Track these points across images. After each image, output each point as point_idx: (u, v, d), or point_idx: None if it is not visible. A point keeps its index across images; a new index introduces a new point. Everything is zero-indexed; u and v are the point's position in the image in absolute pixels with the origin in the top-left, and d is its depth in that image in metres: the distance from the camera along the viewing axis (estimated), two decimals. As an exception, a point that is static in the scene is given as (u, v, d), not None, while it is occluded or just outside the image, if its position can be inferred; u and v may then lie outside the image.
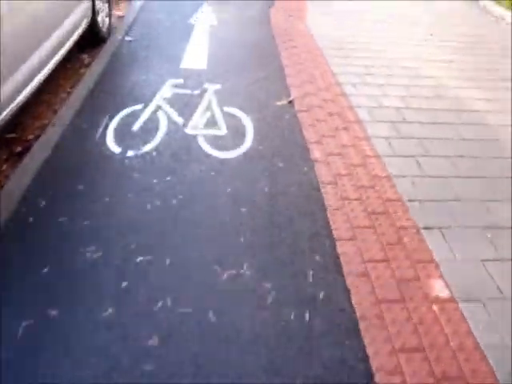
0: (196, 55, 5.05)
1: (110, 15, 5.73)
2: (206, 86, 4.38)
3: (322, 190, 3.11)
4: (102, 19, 5.39)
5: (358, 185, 3.21)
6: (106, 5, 5.62)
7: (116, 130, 3.61)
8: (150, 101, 4.05)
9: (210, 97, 4.18)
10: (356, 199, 3.08)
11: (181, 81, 4.46)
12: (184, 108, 3.99)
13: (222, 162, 3.34)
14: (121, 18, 6.33)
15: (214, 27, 5.97)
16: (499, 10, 7.33)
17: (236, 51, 5.24)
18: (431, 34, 6.24)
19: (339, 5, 7.26)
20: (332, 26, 6.26)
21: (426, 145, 3.69)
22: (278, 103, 4.18)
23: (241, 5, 7.00)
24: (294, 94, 4.36)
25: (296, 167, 3.33)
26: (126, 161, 3.27)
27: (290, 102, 4.21)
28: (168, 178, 3.12)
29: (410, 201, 3.10)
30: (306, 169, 3.32)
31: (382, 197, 3.12)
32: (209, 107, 4.01)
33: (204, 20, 6.19)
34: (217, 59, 5.00)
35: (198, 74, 4.64)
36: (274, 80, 4.62)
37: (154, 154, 3.37)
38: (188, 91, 4.27)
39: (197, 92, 4.26)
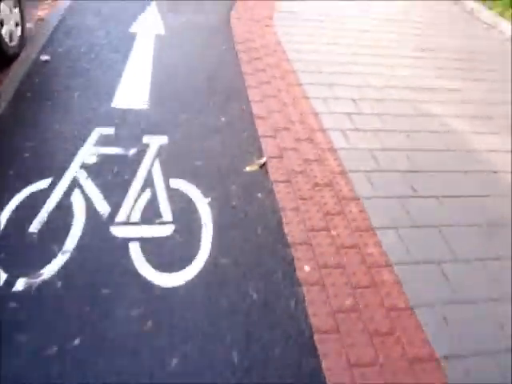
0: (135, 85, 3.71)
1: (22, 24, 4.24)
2: (147, 139, 3.10)
3: (319, 349, 1.97)
4: (9, 31, 3.92)
5: (382, 330, 2.10)
6: (17, 10, 4.12)
7: (3, 234, 2.31)
8: (63, 171, 2.74)
9: (151, 160, 2.91)
10: (370, 364, 1.96)
11: (111, 131, 3.14)
12: (113, 183, 2.71)
13: (165, 295, 2.13)
14: (41, 21, 4.83)
15: (161, 39, 4.60)
16: (490, 16, 6.28)
17: (188, 78, 3.93)
18: (423, 49, 5.11)
19: (311, 7, 5.99)
20: (305, 38, 5.00)
21: (452, 244, 2.61)
22: (248, 169, 2.96)
23: (195, 6, 5.60)
24: (268, 150, 3.15)
25: (279, 301, 2.16)
26: (12, 304, 2.00)
27: (263, 165, 3.01)
28: (75, 343, 1.88)
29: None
30: (293, 303, 2.16)
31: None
32: (149, 181, 2.75)
33: (149, 28, 4.79)
34: (163, 92, 3.68)
35: (137, 117, 3.33)
36: (240, 126, 3.38)
37: (59, 284, 2.11)
38: (120, 150, 2.98)
39: (133, 151, 2.98)
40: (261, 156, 3.09)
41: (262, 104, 3.68)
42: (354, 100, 3.89)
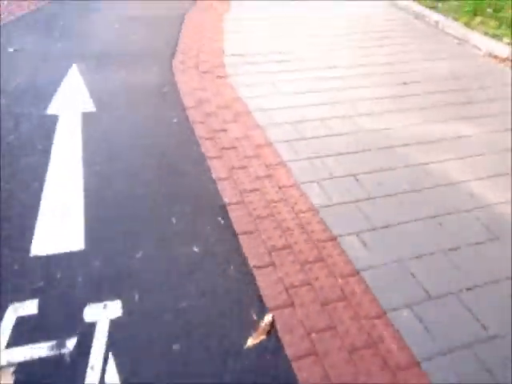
0: (62, 210, 2.60)
1: None
2: (91, 314, 2.02)
3: None
4: None
5: None
6: None
7: None
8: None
9: (101, 359, 1.83)
10: None
11: (33, 307, 2.03)
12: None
13: None
14: None
15: (91, 119, 3.48)
16: (457, 29, 5.59)
17: (136, 182, 2.85)
18: (405, 83, 4.29)
19: (264, 45, 5.06)
20: (268, 89, 4.06)
21: None
22: (250, 342, 1.95)
23: (128, 62, 4.50)
24: (270, 294, 2.15)
25: None
26: None
27: (271, 329, 2.00)
28: None
29: None
30: None
31: None
32: (103, 409, 1.67)
33: (73, 104, 3.65)
34: (103, 214, 2.59)
35: (70, 269, 2.23)
36: (222, 256, 2.36)
37: None
38: (51, 348, 1.87)
39: (71, 345, 1.89)
40: (262, 309, 2.08)
41: (243, 207, 2.67)
42: (355, 177, 2.96)
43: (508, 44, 5.00)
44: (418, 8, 6.19)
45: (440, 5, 6.17)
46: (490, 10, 5.89)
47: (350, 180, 2.94)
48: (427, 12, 6.08)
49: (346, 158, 3.16)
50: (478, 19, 5.68)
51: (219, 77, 4.25)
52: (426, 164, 3.15)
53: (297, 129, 3.45)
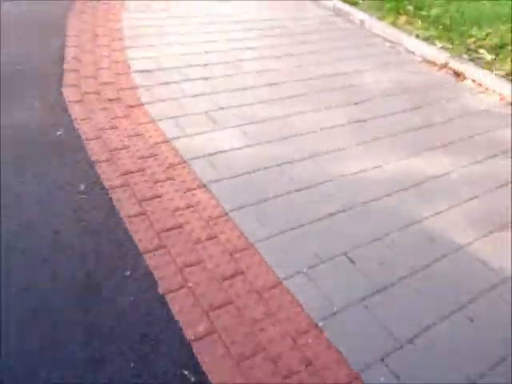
0: None
1: None
2: None
3: None
4: None
5: None
6: None
7: None
8: None
9: None
10: None
11: None
12: None
13: None
14: None
15: None
16: (385, 29, 5.06)
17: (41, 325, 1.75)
18: (356, 103, 3.61)
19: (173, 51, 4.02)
20: (203, 120, 3.10)
21: None
22: None
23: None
24: None
25: None
26: None
27: None
28: None
29: None
30: None
31: None
32: None
33: None
34: None
35: None
36: None
37: None
38: None
39: None
40: None
41: (215, 340, 1.75)
42: (348, 256, 2.20)
43: (441, 49, 4.59)
44: (338, 4, 5.55)
45: (360, 1, 5.60)
46: (410, 8, 5.46)
47: (343, 262, 2.17)
48: (349, 9, 5.47)
49: (328, 225, 2.37)
50: (403, 18, 5.23)
51: (132, 106, 3.15)
52: (420, 221, 2.50)
53: (253, 184, 2.57)
